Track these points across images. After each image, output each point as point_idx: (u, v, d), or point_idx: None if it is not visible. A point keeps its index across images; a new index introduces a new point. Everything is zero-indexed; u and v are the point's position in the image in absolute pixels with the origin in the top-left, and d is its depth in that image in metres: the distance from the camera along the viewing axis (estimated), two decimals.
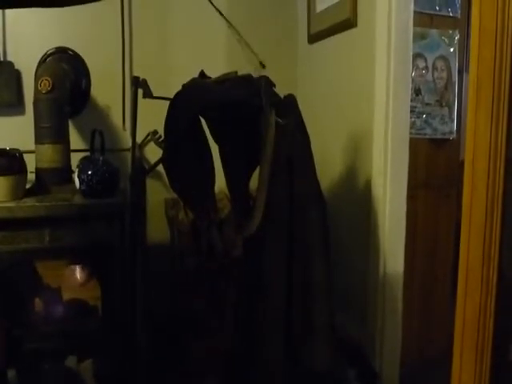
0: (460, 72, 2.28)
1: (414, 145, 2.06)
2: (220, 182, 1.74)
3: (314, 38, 2.42)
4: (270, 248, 1.57)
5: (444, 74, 2.25)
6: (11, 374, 1.52)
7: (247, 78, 1.65)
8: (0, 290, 1.58)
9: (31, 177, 1.85)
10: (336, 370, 1.65)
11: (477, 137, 1.05)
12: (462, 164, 2.23)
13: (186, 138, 1.48)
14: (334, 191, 2.17)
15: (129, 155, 2.07)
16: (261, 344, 1.58)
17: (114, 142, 2.23)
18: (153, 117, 1.88)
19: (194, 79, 1.60)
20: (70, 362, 1.62)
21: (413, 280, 2.16)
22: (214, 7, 2.35)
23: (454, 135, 2.26)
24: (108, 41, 2.26)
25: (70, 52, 2.16)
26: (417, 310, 2.20)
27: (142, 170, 1.72)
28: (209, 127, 1.67)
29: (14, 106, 2.15)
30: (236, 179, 1.74)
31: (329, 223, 1.62)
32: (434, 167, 2.23)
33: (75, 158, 1.87)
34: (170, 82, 1.68)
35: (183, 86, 1.57)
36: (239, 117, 1.62)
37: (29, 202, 1.69)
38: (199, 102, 1.45)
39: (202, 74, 1.71)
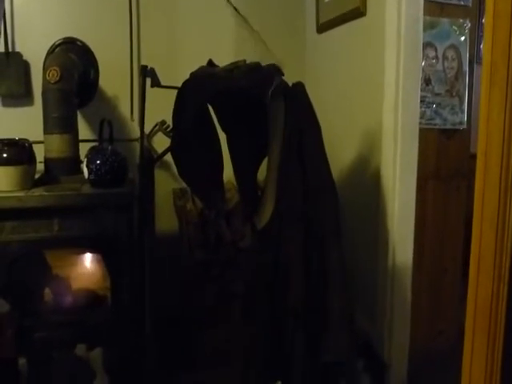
0: (471, 62, 2.24)
1: (424, 135, 2.03)
2: (228, 172, 1.73)
3: (322, 28, 2.39)
4: (286, 239, 1.56)
5: (454, 64, 2.22)
6: (22, 362, 1.54)
7: (256, 67, 1.64)
8: (10, 280, 1.59)
9: (40, 167, 1.86)
10: (350, 360, 1.65)
11: (490, 122, 1.03)
12: (472, 156, 2.21)
13: (195, 125, 1.47)
14: (343, 181, 2.15)
15: (137, 145, 2.08)
16: (282, 335, 1.58)
17: (122, 133, 2.23)
18: (161, 107, 1.88)
19: (202, 67, 1.59)
20: (80, 350, 1.63)
21: (422, 271, 2.15)
22: None
23: (465, 126, 2.23)
24: (116, 31, 2.25)
25: (79, 43, 2.16)
26: (426, 301, 2.19)
27: (150, 160, 1.72)
28: (217, 116, 1.66)
29: (23, 96, 2.16)
30: (244, 169, 1.73)
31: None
32: (444, 158, 2.20)
33: (84, 149, 1.88)
34: (177, 72, 1.68)
35: (191, 74, 1.56)
36: (248, 105, 1.61)
37: (38, 191, 1.70)
38: (208, 89, 1.44)
39: (210, 63, 1.70)
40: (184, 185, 2.27)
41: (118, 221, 1.71)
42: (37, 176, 1.83)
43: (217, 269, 2.10)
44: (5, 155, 1.67)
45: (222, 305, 2.13)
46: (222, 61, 1.68)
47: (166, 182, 2.29)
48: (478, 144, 1.14)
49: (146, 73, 1.72)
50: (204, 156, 1.60)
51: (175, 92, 1.61)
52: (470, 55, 2.21)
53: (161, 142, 2.24)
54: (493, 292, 1.02)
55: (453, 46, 2.19)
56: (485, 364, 0.99)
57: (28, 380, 1.50)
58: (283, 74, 1.64)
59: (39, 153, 1.83)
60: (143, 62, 2.04)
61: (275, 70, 1.61)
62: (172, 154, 1.54)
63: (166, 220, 2.22)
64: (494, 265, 1.02)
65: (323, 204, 1.59)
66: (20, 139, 1.74)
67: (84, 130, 2.14)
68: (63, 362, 1.53)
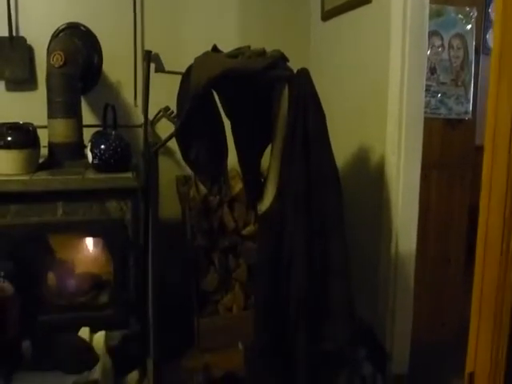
0: (477, 51, 2.22)
1: (429, 124, 2.02)
2: (232, 160, 1.73)
3: (327, 15, 2.37)
4: (290, 226, 1.56)
5: (460, 53, 2.20)
6: (26, 344, 1.55)
7: (260, 52, 1.63)
8: (14, 263, 1.59)
9: (44, 152, 1.86)
10: (352, 348, 1.65)
11: (499, 111, 1.02)
12: (477, 148, 2.20)
13: (199, 108, 1.46)
14: (347, 169, 2.15)
15: (140, 132, 2.07)
16: (285, 321, 1.58)
17: (126, 119, 2.22)
18: (164, 93, 1.87)
19: (206, 52, 1.58)
20: (83, 333, 1.64)
21: (425, 262, 2.14)
22: None
23: (470, 116, 2.22)
24: (120, 16, 2.24)
25: (82, 28, 2.15)
26: (429, 292, 2.19)
27: (154, 145, 1.71)
28: (221, 102, 1.65)
29: (27, 81, 2.15)
30: (248, 156, 1.72)
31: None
32: (449, 148, 2.19)
33: (87, 134, 1.88)
34: (181, 58, 1.66)
35: (196, 58, 1.55)
36: (252, 91, 1.60)
37: (42, 175, 1.70)
38: (213, 71, 1.43)
39: (215, 49, 1.69)
40: (187, 172, 2.28)
41: (121, 206, 1.71)
42: (41, 161, 1.83)
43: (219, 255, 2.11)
44: (9, 139, 1.67)
45: (224, 291, 2.14)
46: (227, 47, 1.67)
47: (170, 170, 2.29)
48: (486, 133, 1.13)
49: (151, 58, 1.71)
50: (208, 140, 1.59)
51: (179, 78, 1.60)
52: (476, 44, 2.19)
53: (164, 129, 2.23)
54: (499, 277, 1.02)
55: (459, 35, 2.18)
56: (490, 350, 0.99)
57: (31, 362, 1.51)
58: (288, 60, 1.63)
59: (43, 138, 1.83)
60: (147, 48, 2.03)
61: (280, 56, 1.60)
62: (176, 138, 1.54)
63: (168, 207, 2.22)
64: (502, 250, 1.01)
65: (326, 191, 1.59)
66: (24, 123, 1.74)
67: (88, 116, 2.13)
68: (67, 345, 1.54)
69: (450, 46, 2.17)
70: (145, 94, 1.67)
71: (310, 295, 1.57)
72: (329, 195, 1.59)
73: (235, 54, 1.62)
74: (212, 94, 1.62)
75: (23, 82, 2.14)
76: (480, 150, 1.57)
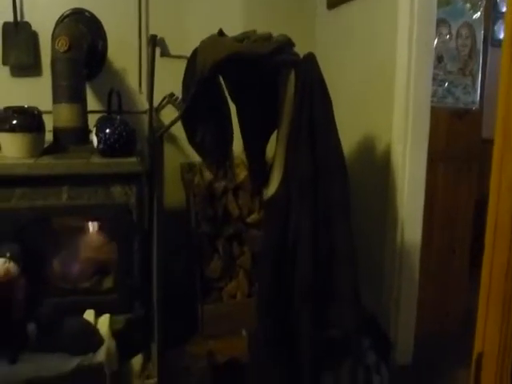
0: (485, 40, 2.20)
1: (435, 114, 2.00)
2: (236, 148, 1.72)
3: (333, 3, 2.36)
4: (295, 211, 1.55)
5: (468, 42, 2.18)
6: (31, 327, 1.55)
7: (266, 37, 1.62)
8: (20, 245, 1.59)
9: (48, 138, 1.86)
10: (356, 336, 1.65)
11: (510, 100, 1.00)
12: (484, 141, 2.18)
13: (205, 91, 1.46)
14: (352, 158, 2.13)
15: (145, 118, 2.07)
16: (289, 308, 1.58)
17: (130, 105, 2.22)
18: (169, 80, 1.87)
19: (212, 36, 1.57)
20: (88, 316, 1.65)
21: (430, 252, 2.13)
22: None
23: (477, 106, 2.20)
24: (124, 2, 2.22)
25: (87, 14, 2.14)
26: (433, 282, 2.17)
27: (159, 130, 1.71)
28: (227, 86, 1.64)
29: (32, 66, 2.15)
30: (253, 142, 1.71)
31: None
32: (455, 138, 2.17)
33: (92, 120, 1.87)
34: (186, 44, 1.66)
35: (202, 42, 1.54)
36: (258, 75, 1.59)
37: (47, 159, 1.70)
38: (219, 54, 1.42)
39: (221, 33, 1.68)
40: (192, 159, 2.28)
41: (126, 190, 1.71)
42: (45, 146, 1.83)
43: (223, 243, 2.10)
44: (14, 122, 1.67)
45: (228, 278, 2.14)
46: (232, 33, 1.66)
47: (174, 157, 2.28)
48: (498, 117, 1.11)
49: (156, 42, 1.70)
50: (214, 125, 1.58)
51: (184, 65, 1.59)
52: (484, 32, 2.17)
53: (169, 116, 2.21)
54: (509, 259, 1.00)
55: (466, 24, 2.15)
56: (499, 330, 0.98)
57: (36, 344, 1.51)
58: (294, 45, 1.62)
59: (48, 124, 1.82)
60: (152, 33, 2.02)
61: (286, 41, 1.59)
62: (182, 121, 1.53)
63: (173, 194, 2.21)
64: None
65: (332, 177, 1.58)
66: (29, 107, 1.73)
67: (92, 102, 2.13)
68: (71, 327, 1.54)
69: (458, 35, 2.15)
70: (150, 79, 1.66)
71: (314, 281, 1.56)
72: (335, 181, 1.58)
73: (241, 38, 1.61)
74: (218, 78, 1.61)
75: (28, 67, 2.14)
76: (487, 143, 1.55)
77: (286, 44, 1.59)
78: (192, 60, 1.53)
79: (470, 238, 2.24)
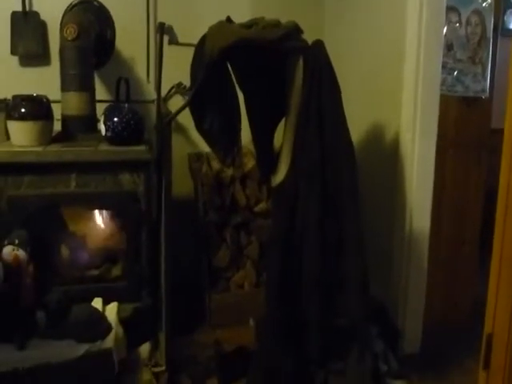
0: (495, 29, 2.17)
1: (445, 102, 1.99)
2: (244, 137, 1.72)
3: None
4: (303, 199, 1.54)
5: (478, 30, 2.15)
6: (40, 314, 1.56)
7: (275, 23, 1.61)
8: (28, 233, 1.60)
9: (57, 127, 1.86)
10: (364, 324, 1.64)
11: None
12: (493, 131, 2.15)
13: (214, 77, 1.45)
14: (361, 146, 2.12)
15: (152, 108, 2.07)
16: (298, 297, 1.57)
17: (138, 95, 2.21)
18: (176, 69, 1.86)
19: (221, 22, 1.57)
20: (96, 303, 1.65)
21: (439, 242, 2.11)
22: None
23: (487, 94, 2.17)
24: None
25: (95, 2, 2.14)
26: (442, 272, 2.16)
27: (167, 116, 1.70)
28: (235, 73, 1.64)
29: (40, 56, 2.15)
30: (261, 129, 1.71)
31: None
32: (465, 127, 2.15)
33: (100, 110, 1.87)
34: (194, 32, 1.64)
35: (210, 27, 1.54)
36: (266, 62, 1.59)
37: (55, 147, 1.71)
38: (227, 39, 1.41)
39: (229, 20, 1.67)
40: (200, 149, 2.27)
41: (134, 178, 1.71)
42: (54, 135, 1.83)
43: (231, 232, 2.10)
44: (23, 110, 1.67)
45: (236, 268, 2.14)
46: (240, 20, 1.65)
47: (182, 147, 2.28)
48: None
49: (164, 30, 1.70)
50: (222, 112, 1.58)
51: (191, 54, 1.59)
52: (494, 20, 2.14)
53: (177, 105, 2.17)
54: None
55: (477, 11, 2.12)
56: (510, 311, 0.97)
57: (45, 331, 1.52)
58: (302, 32, 1.61)
59: (56, 113, 1.82)
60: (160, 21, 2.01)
61: (294, 27, 1.58)
62: (190, 107, 1.52)
63: (180, 184, 2.20)
64: None
65: (341, 164, 1.57)
66: (38, 95, 1.74)
67: (101, 92, 2.13)
68: (80, 314, 1.55)
69: (468, 23, 2.12)
70: (158, 66, 1.65)
71: (323, 269, 1.56)
72: (343, 168, 1.57)
73: (249, 24, 1.60)
74: (226, 65, 1.60)
75: (37, 56, 2.14)
76: (496, 132, 1.53)
77: (295, 30, 1.58)
78: (200, 46, 1.52)
79: (480, 227, 2.22)
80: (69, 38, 1.78)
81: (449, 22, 2.05)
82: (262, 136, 1.72)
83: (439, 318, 2.14)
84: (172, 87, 2.17)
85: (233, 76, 1.62)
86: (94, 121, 1.86)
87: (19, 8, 2.10)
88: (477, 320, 1.28)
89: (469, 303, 2.23)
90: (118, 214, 1.80)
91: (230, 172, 2.07)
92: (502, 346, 0.98)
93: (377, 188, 2.09)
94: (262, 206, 2.12)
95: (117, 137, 1.71)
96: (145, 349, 1.71)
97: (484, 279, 1.16)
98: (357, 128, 2.16)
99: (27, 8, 2.11)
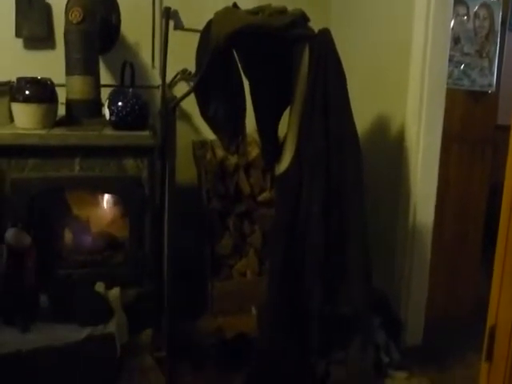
0: (503, 24, 2.16)
1: (451, 95, 1.97)
2: (249, 126, 1.71)
3: None
4: (307, 187, 1.54)
5: (486, 23, 2.13)
6: (43, 297, 1.56)
7: (281, 10, 1.59)
8: (32, 216, 1.60)
9: (61, 111, 1.85)
10: (367, 314, 1.64)
11: None
12: (498, 127, 2.14)
13: (219, 63, 1.44)
14: (366, 137, 2.11)
15: (157, 93, 2.06)
16: (300, 285, 1.57)
17: (143, 80, 2.21)
18: (182, 55, 1.84)
19: (227, 7, 1.55)
20: (98, 288, 1.65)
21: (442, 235, 2.11)
22: None
23: (493, 89, 2.16)
24: None
25: None
26: (445, 266, 2.16)
27: (171, 101, 1.69)
28: (240, 61, 1.63)
29: (45, 39, 2.14)
30: (266, 118, 1.70)
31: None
32: (471, 121, 2.14)
33: (104, 95, 1.86)
34: (200, 17, 1.63)
35: (216, 13, 1.52)
36: (272, 49, 1.57)
37: (59, 130, 1.70)
38: (233, 25, 1.40)
39: (235, 6, 1.66)
40: (204, 137, 2.27)
41: (138, 163, 1.70)
42: (58, 118, 1.82)
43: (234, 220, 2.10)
44: (27, 93, 1.66)
45: (239, 256, 2.14)
46: (247, 6, 1.63)
47: (186, 134, 2.27)
48: None
49: (169, 15, 1.68)
50: (227, 99, 1.57)
51: (197, 40, 1.57)
52: (503, 14, 2.12)
53: (181, 92, 2.18)
54: None
55: (485, 5, 2.11)
56: None
57: (48, 314, 1.52)
58: (309, 20, 1.59)
59: (61, 97, 1.81)
60: (166, 6, 1.99)
61: (301, 15, 1.57)
62: (195, 93, 1.51)
63: (184, 172, 2.20)
64: None
65: (345, 154, 1.56)
66: (42, 78, 1.73)
67: (105, 76, 2.12)
68: (83, 298, 1.55)
69: (476, 16, 2.10)
70: (163, 51, 1.64)
71: (325, 258, 1.56)
72: (347, 158, 1.56)
73: (256, 11, 1.59)
74: (232, 52, 1.59)
75: (41, 40, 2.13)
76: (501, 129, 1.52)
77: (301, 18, 1.57)
78: (206, 32, 1.51)
79: (484, 222, 2.22)
80: (74, 22, 1.77)
81: (456, 15, 2.03)
82: (267, 124, 1.71)
83: (441, 312, 2.14)
84: (177, 74, 2.16)
85: (238, 63, 1.62)
86: (99, 105, 1.85)
87: None
88: (478, 316, 1.28)
89: (471, 299, 2.23)
90: (121, 198, 1.79)
91: (234, 160, 2.06)
92: (504, 338, 0.98)
93: (381, 180, 2.09)
94: (265, 196, 2.12)
95: (121, 121, 1.71)
96: (147, 334, 1.72)
97: (486, 275, 1.16)
98: (362, 119, 2.15)
99: None
